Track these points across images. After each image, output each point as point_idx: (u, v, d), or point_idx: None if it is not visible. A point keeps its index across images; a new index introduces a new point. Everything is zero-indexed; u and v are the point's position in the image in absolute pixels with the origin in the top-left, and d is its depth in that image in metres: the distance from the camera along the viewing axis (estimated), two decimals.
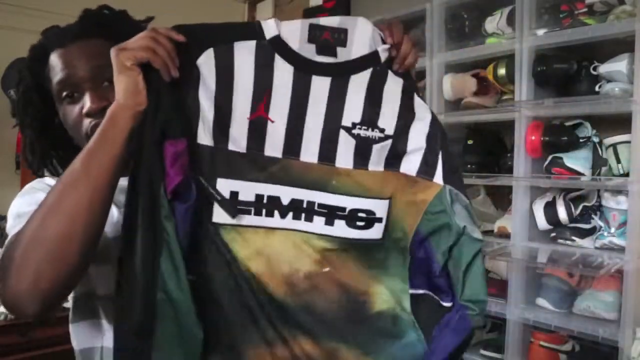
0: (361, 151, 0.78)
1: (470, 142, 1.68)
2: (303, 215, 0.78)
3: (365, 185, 0.79)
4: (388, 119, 0.79)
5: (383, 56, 0.78)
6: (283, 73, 0.75)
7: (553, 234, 1.47)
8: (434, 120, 0.81)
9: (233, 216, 0.74)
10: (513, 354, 1.50)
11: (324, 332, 0.76)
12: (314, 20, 0.76)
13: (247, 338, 0.73)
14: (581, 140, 1.42)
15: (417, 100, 0.81)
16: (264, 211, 0.76)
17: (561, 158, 1.41)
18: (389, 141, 0.79)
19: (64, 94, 0.82)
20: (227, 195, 0.74)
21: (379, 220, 0.80)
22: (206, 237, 0.74)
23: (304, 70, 0.76)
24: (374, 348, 0.77)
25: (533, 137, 1.43)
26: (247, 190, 0.75)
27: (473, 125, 1.72)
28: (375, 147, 0.79)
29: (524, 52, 1.47)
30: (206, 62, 0.73)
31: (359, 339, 0.77)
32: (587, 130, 1.43)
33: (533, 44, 1.46)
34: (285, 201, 0.77)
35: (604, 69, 1.37)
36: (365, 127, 0.78)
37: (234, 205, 0.75)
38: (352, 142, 0.78)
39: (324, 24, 0.76)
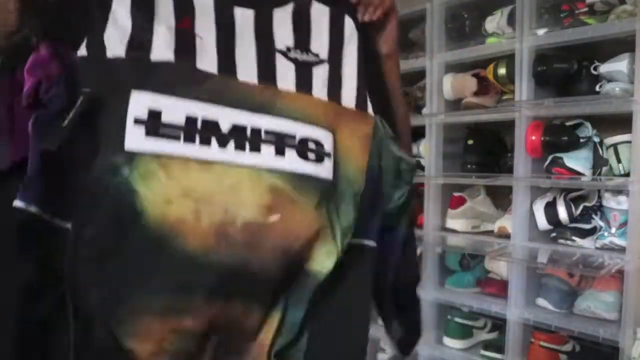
0: (302, 74, 0.70)
1: (470, 142, 1.67)
2: (247, 144, 0.63)
3: (310, 111, 0.68)
4: (319, 45, 0.72)
5: None
6: (202, 1, 0.67)
7: (553, 234, 1.47)
8: (361, 44, 0.76)
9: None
10: (513, 354, 1.50)
11: (249, 296, 0.62)
12: None
13: (140, 307, 0.58)
14: (581, 140, 1.41)
15: (347, 22, 0.75)
16: (197, 138, 0.60)
17: (561, 158, 1.41)
18: (326, 65, 0.72)
19: None
20: (144, 114, 0.58)
21: (328, 155, 0.68)
22: (103, 173, 0.57)
23: (224, 1, 0.68)
24: (288, 304, 0.65)
25: (533, 137, 1.43)
26: (175, 109, 0.60)
27: (473, 125, 1.72)
28: (315, 70, 0.71)
29: (524, 52, 1.46)
30: None
31: (282, 301, 0.65)
32: (587, 130, 1.42)
33: (533, 43, 1.46)
34: (224, 127, 0.62)
35: (604, 68, 1.37)
36: (300, 51, 0.71)
37: (155, 127, 0.58)
38: (291, 64, 0.70)
39: None
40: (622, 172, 1.37)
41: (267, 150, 0.63)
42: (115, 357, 0.59)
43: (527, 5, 1.46)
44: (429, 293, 1.71)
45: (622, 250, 1.33)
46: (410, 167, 0.75)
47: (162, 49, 0.62)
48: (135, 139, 0.57)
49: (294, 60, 0.70)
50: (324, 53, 0.72)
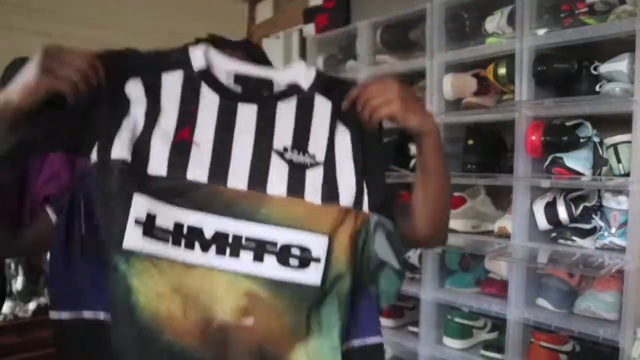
0: (295, 177, 0.72)
1: (470, 142, 1.67)
2: (228, 249, 0.69)
3: (299, 215, 0.71)
4: (317, 146, 0.75)
5: (306, 83, 0.77)
6: (209, 99, 0.73)
7: (553, 234, 1.47)
8: (356, 141, 0.77)
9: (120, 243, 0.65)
10: (513, 354, 1.50)
11: None
12: (239, 70, 0.75)
13: None
14: (582, 140, 1.41)
15: (343, 120, 0.77)
16: (183, 242, 0.68)
17: (561, 158, 1.41)
18: (321, 167, 0.74)
19: None
20: (143, 217, 0.66)
21: (316, 260, 0.70)
22: (111, 269, 0.66)
23: (229, 98, 0.74)
24: None
25: (533, 137, 1.43)
26: (166, 216, 0.68)
27: (473, 125, 1.71)
28: (309, 173, 0.73)
29: (524, 51, 1.46)
30: (134, 89, 0.71)
31: None
32: (587, 130, 1.42)
33: (533, 43, 1.46)
34: (208, 233, 0.69)
35: (604, 68, 1.37)
36: (297, 152, 0.74)
37: (150, 229, 0.67)
38: (286, 166, 0.73)
39: (247, 74, 0.75)
40: (622, 172, 1.37)
41: (246, 256, 0.68)
42: None
43: (527, 5, 1.46)
44: (429, 293, 1.71)
45: (622, 250, 1.33)
46: (398, 271, 0.75)
47: (156, 163, 0.68)
48: (133, 238, 0.65)
49: (288, 162, 0.73)
50: (320, 154, 0.75)
